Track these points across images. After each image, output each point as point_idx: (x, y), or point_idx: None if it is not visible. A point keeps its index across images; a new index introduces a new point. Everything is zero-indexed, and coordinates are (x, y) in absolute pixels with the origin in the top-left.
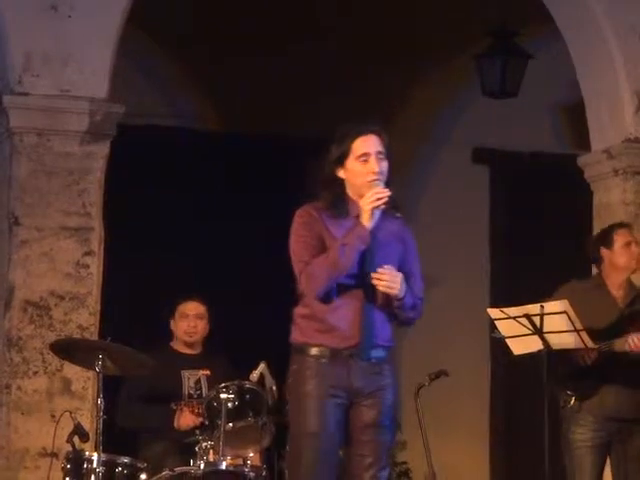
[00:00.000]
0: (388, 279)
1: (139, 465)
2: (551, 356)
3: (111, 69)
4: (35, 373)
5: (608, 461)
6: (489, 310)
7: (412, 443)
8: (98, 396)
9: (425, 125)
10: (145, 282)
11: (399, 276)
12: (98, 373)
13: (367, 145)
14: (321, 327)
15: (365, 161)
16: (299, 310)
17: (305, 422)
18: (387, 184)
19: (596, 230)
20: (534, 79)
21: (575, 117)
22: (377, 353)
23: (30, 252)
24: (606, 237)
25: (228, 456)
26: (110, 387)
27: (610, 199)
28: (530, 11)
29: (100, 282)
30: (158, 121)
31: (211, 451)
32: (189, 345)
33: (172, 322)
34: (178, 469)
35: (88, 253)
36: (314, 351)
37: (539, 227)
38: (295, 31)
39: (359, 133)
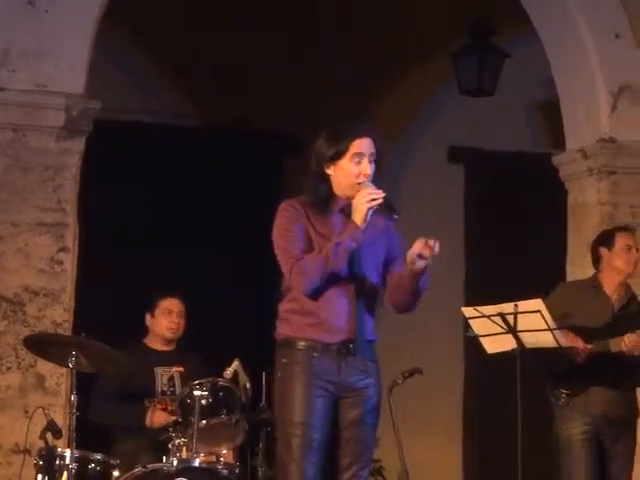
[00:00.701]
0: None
1: (112, 462)
2: (544, 354)
3: (88, 64)
4: (8, 369)
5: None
6: (463, 309)
7: (385, 441)
8: (71, 392)
9: (401, 123)
10: (119, 279)
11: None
12: (72, 369)
13: (363, 146)
14: (312, 321)
15: (358, 162)
16: (287, 305)
17: (295, 413)
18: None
19: (570, 229)
20: (510, 78)
21: (551, 116)
22: (366, 349)
23: (5, 248)
24: (608, 238)
25: (201, 453)
26: (83, 384)
27: (585, 198)
28: (507, 10)
29: (74, 278)
30: (135, 117)
31: (184, 448)
32: (165, 342)
33: (149, 317)
34: (151, 466)
35: (63, 249)
36: (305, 345)
37: (514, 227)
38: (274, 27)
39: (358, 134)
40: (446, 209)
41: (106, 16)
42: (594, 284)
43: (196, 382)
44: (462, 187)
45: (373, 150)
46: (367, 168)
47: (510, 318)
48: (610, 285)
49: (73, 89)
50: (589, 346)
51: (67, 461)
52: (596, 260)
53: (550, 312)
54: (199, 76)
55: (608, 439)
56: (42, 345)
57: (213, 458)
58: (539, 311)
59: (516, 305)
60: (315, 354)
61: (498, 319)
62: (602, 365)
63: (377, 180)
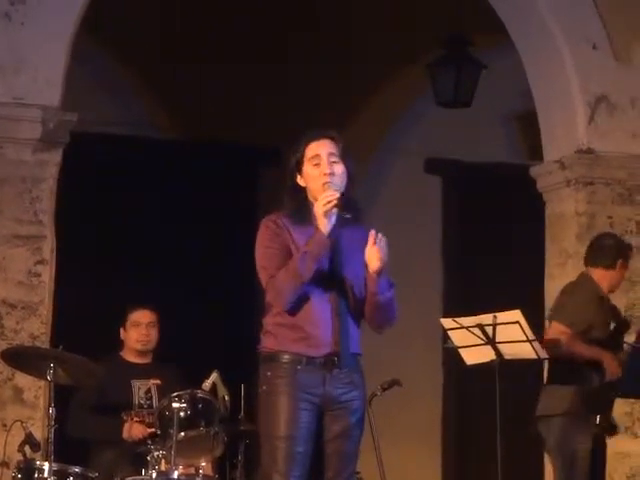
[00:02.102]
0: (383, 247)
1: (90, 475)
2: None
3: (64, 77)
4: None
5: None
6: (442, 320)
7: (364, 453)
8: (50, 405)
9: (377, 134)
10: (96, 291)
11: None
12: (49, 382)
13: (318, 148)
14: (296, 335)
15: (317, 164)
16: (272, 319)
17: (280, 426)
18: (350, 190)
19: (548, 240)
20: (487, 89)
21: (528, 127)
22: (350, 361)
23: None
24: (618, 254)
25: (180, 465)
26: (61, 396)
27: (563, 209)
28: (484, 21)
29: (52, 291)
30: (112, 129)
31: (163, 460)
32: (140, 354)
33: (122, 331)
34: (129, 478)
35: (40, 262)
36: (289, 359)
37: (492, 238)
38: (250, 41)
39: (311, 138)
40: (423, 221)
41: (82, 29)
42: (598, 292)
43: (175, 394)
44: (439, 198)
45: (333, 150)
46: (326, 167)
47: (489, 329)
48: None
49: (49, 102)
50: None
51: (45, 474)
52: (610, 266)
53: (577, 328)
54: (175, 89)
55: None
56: (20, 358)
57: (192, 470)
58: (518, 322)
59: (495, 316)
60: (299, 367)
61: (477, 330)
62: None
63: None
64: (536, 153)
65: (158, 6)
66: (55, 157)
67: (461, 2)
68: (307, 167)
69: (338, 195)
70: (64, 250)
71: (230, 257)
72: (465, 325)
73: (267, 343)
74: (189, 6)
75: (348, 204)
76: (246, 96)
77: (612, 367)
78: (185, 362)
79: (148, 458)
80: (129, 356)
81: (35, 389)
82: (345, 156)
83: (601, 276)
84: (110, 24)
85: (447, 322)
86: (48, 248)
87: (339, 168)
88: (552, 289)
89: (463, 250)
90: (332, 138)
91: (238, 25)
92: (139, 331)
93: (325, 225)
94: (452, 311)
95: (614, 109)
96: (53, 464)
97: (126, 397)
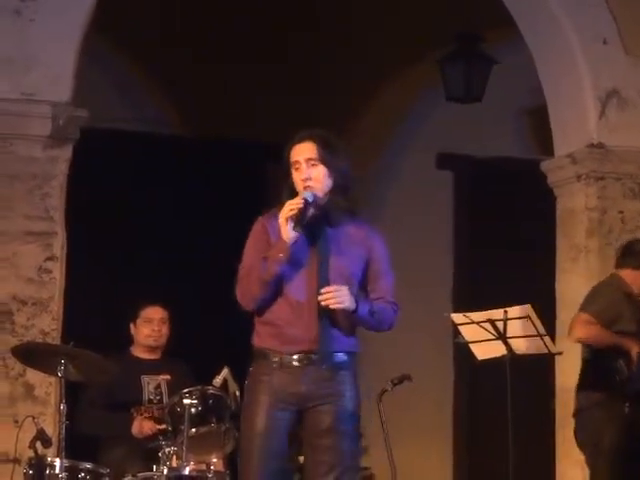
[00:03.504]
0: (333, 295)
1: (101, 470)
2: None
3: (74, 73)
4: None
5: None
6: (453, 315)
7: (375, 449)
8: (61, 401)
9: (388, 130)
10: (106, 288)
11: (344, 289)
12: (60, 378)
13: (297, 153)
14: (274, 332)
15: (297, 169)
16: (257, 316)
17: (254, 423)
18: (345, 188)
19: (559, 235)
20: (498, 84)
21: (539, 122)
22: (331, 359)
23: None
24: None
25: (191, 461)
26: (71, 393)
27: (573, 204)
28: (494, 16)
29: (63, 287)
30: (122, 125)
31: (174, 456)
32: (150, 350)
33: (133, 327)
34: (141, 474)
35: (51, 258)
36: (267, 355)
37: (503, 233)
38: (260, 37)
39: (294, 142)
40: (434, 216)
41: (92, 24)
42: (623, 288)
43: (186, 390)
44: (451, 194)
45: (312, 154)
46: (302, 173)
47: (500, 324)
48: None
49: (59, 98)
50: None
51: (57, 470)
52: (638, 267)
53: (602, 318)
54: (184, 84)
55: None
56: (31, 354)
57: (203, 466)
58: (528, 317)
59: (506, 311)
60: (275, 364)
61: (488, 325)
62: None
63: (364, 187)
64: (546, 148)
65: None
66: (65, 153)
67: None
68: (292, 171)
69: (300, 202)
70: (74, 246)
71: (239, 254)
72: (476, 320)
73: (254, 339)
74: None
75: (333, 201)
76: (254, 92)
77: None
78: (195, 358)
79: (159, 454)
80: (139, 352)
81: (46, 385)
82: (337, 153)
83: (629, 276)
84: (120, 20)
85: (458, 317)
86: (59, 244)
87: (318, 171)
88: (563, 284)
89: (474, 245)
90: (313, 139)
91: (250, 24)
92: (151, 327)
93: (286, 231)
94: (463, 306)
95: (625, 104)
96: (64, 460)
97: (136, 393)
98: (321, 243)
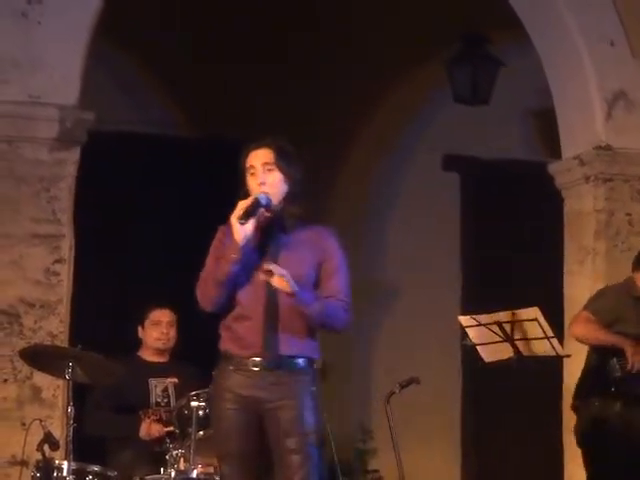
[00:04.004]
0: (276, 269)
1: (109, 473)
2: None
3: (81, 75)
4: (5, 381)
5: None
6: (460, 317)
7: (383, 451)
8: (68, 404)
9: (395, 131)
10: (114, 290)
11: (285, 271)
12: (68, 381)
13: (253, 158)
14: (231, 335)
15: (253, 174)
16: (222, 320)
17: (215, 425)
18: (295, 195)
19: (567, 237)
20: (505, 86)
21: (546, 124)
22: (285, 364)
23: None
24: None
25: (199, 464)
26: (78, 395)
27: (581, 206)
28: (501, 18)
29: (71, 289)
30: (128, 127)
31: (182, 459)
32: (158, 353)
33: (141, 330)
34: (149, 477)
35: (58, 260)
36: (227, 358)
37: (510, 235)
38: (264, 38)
39: (250, 148)
40: (442, 217)
41: (99, 27)
42: (632, 292)
43: (193, 393)
44: (457, 195)
45: (267, 160)
46: (257, 178)
47: (507, 326)
48: None
49: (66, 100)
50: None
51: (64, 473)
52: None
53: (602, 317)
54: (191, 86)
55: None
56: (38, 357)
57: (211, 469)
58: (536, 319)
59: (513, 313)
60: (231, 367)
61: (495, 327)
62: None
63: (370, 188)
64: (553, 150)
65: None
66: (73, 156)
67: None
68: (247, 176)
69: (246, 204)
70: (82, 249)
71: None
72: (483, 322)
73: (220, 343)
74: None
75: (286, 208)
76: (258, 95)
77: (636, 355)
78: (202, 361)
79: (167, 457)
80: (147, 355)
81: (54, 388)
82: (293, 161)
83: None
84: (128, 23)
85: (465, 319)
86: (66, 247)
87: (274, 176)
88: (571, 286)
89: (481, 247)
90: (270, 146)
91: (253, 24)
92: (159, 330)
93: (237, 231)
94: (470, 308)
95: (632, 105)
96: (72, 463)
97: (143, 396)
98: (272, 249)
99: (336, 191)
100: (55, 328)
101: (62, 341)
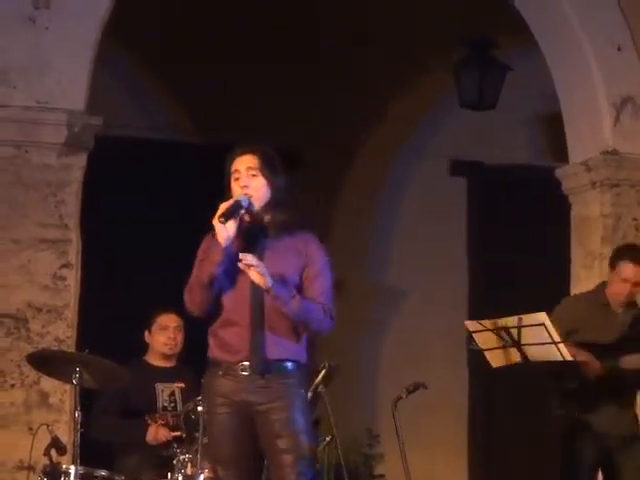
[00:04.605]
0: (253, 262)
1: (116, 478)
2: (555, 369)
3: (89, 81)
4: (12, 386)
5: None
6: (467, 322)
7: (390, 456)
8: (75, 409)
9: (402, 137)
10: (121, 295)
11: (262, 265)
12: (75, 386)
13: (238, 163)
14: (218, 342)
15: (237, 178)
16: (208, 327)
17: (208, 430)
18: (278, 202)
19: (574, 242)
20: (512, 91)
21: (553, 129)
22: (271, 367)
23: (7, 264)
24: (614, 259)
25: (206, 469)
26: (85, 400)
27: (588, 212)
28: (508, 23)
29: (78, 294)
30: (135, 133)
31: (189, 464)
32: (164, 358)
33: (148, 334)
34: None
35: (65, 265)
36: (215, 364)
37: (516, 239)
38: (272, 43)
39: (235, 153)
40: (448, 223)
41: (106, 32)
42: (601, 300)
43: (200, 397)
44: (464, 200)
45: (252, 165)
46: (241, 182)
47: (514, 331)
48: (615, 301)
49: (74, 106)
50: (597, 364)
51: (71, 478)
52: (609, 270)
53: (556, 327)
54: (199, 92)
55: (618, 454)
56: (46, 362)
57: None
58: (543, 324)
59: (520, 318)
60: (220, 372)
61: (502, 333)
62: (611, 383)
63: (377, 194)
64: (560, 155)
65: (201, 7)
66: (80, 161)
67: (486, 4)
68: (231, 181)
69: (227, 205)
70: (89, 253)
71: None
72: (490, 327)
73: (208, 351)
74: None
75: (270, 214)
76: (270, 99)
77: (591, 368)
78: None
79: (174, 462)
80: (153, 359)
81: (61, 393)
82: (277, 168)
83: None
84: (135, 29)
85: (472, 325)
86: (74, 252)
87: (257, 181)
88: (577, 291)
89: (488, 251)
90: (255, 152)
91: (262, 29)
92: (167, 334)
93: (219, 233)
94: (477, 313)
95: (639, 110)
96: (79, 467)
97: (150, 400)
98: (257, 254)
99: (344, 195)
100: (62, 333)
101: (69, 346)
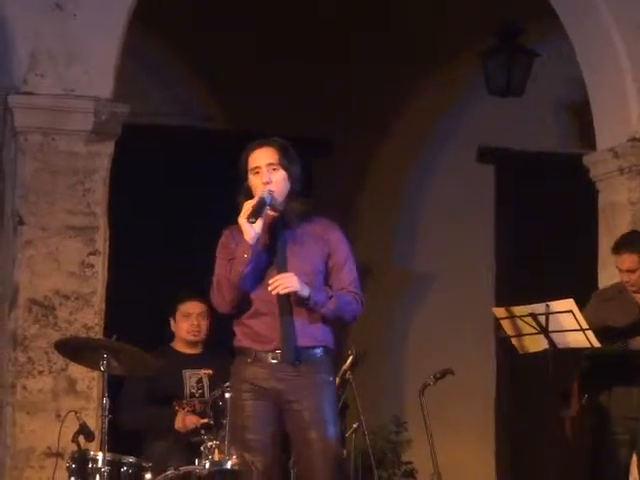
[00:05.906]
0: (281, 282)
1: (144, 464)
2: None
3: (116, 68)
4: (40, 373)
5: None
6: (494, 309)
7: (417, 443)
8: (103, 396)
9: (430, 123)
10: (149, 282)
11: (290, 274)
12: (103, 372)
13: (257, 158)
14: (247, 331)
15: (257, 173)
16: (235, 317)
17: (233, 416)
18: (297, 192)
19: (601, 229)
20: (540, 77)
21: (581, 116)
22: (301, 355)
23: (35, 252)
24: (612, 251)
25: (233, 455)
26: (113, 387)
27: (616, 198)
28: (536, 10)
29: (105, 281)
30: (163, 120)
31: (216, 450)
32: (191, 345)
33: (172, 322)
34: (183, 468)
35: (93, 252)
36: (243, 353)
37: (544, 227)
38: (300, 30)
39: (253, 147)
40: (476, 209)
41: (134, 20)
42: (619, 288)
43: (227, 384)
44: (492, 187)
45: (272, 159)
46: (262, 177)
47: (542, 318)
48: (629, 288)
49: (101, 93)
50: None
51: (99, 464)
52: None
53: (589, 324)
54: (228, 79)
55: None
56: (73, 349)
57: None
58: (571, 311)
59: (548, 305)
60: (249, 360)
61: (529, 319)
62: (633, 366)
63: (405, 180)
64: (588, 141)
65: None
66: (107, 148)
67: None
68: (251, 177)
69: (255, 202)
70: (116, 241)
71: None
72: (517, 314)
73: (234, 341)
74: None
75: (290, 205)
76: (294, 89)
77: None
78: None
79: (201, 448)
80: (180, 346)
81: (89, 380)
82: (294, 160)
83: None
84: (162, 15)
85: (499, 311)
86: (101, 239)
87: (278, 175)
88: (605, 278)
89: (516, 238)
90: (273, 145)
91: (290, 17)
92: (190, 322)
93: (247, 231)
94: (504, 300)
95: None
96: (107, 454)
97: (177, 387)
98: (280, 245)
99: (372, 182)
100: (90, 320)
101: (97, 333)
